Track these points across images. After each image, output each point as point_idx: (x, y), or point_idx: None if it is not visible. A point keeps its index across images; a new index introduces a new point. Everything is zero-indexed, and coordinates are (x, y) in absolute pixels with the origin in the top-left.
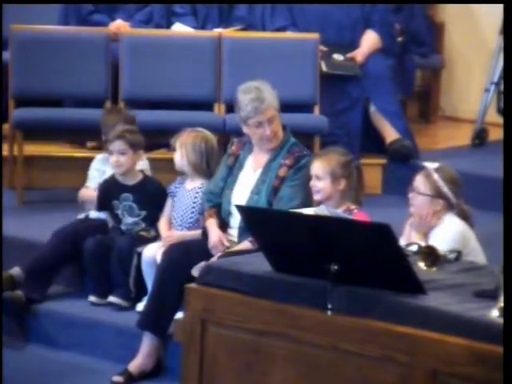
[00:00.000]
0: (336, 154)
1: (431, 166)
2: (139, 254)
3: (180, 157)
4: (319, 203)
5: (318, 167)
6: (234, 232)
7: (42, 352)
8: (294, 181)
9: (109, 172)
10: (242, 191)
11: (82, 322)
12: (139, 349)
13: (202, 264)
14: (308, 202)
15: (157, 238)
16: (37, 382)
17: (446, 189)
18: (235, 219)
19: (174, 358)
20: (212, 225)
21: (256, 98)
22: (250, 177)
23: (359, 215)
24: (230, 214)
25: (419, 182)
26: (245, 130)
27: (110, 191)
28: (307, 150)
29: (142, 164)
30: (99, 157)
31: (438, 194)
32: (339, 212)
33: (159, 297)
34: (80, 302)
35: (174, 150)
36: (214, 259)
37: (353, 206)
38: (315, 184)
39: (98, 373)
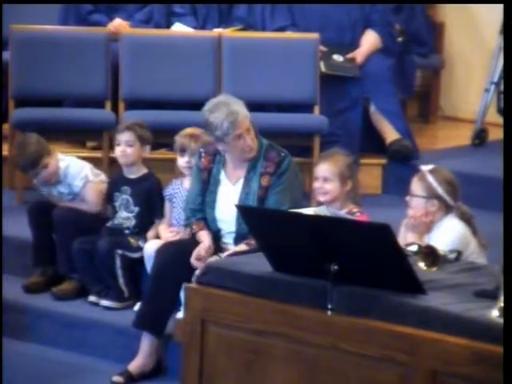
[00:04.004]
0: (341, 155)
1: (426, 167)
2: (122, 256)
3: None
4: (320, 204)
5: (325, 169)
6: (230, 245)
7: (42, 352)
8: (278, 186)
9: (54, 191)
10: (227, 207)
11: (82, 322)
12: (139, 349)
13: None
14: (297, 203)
15: (141, 249)
16: (37, 382)
17: (440, 190)
18: (226, 233)
19: (174, 358)
20: (205, 236)
21: (229, 112)
22: (231, 191)
23: (362, 218)
24: (218, 230)
25: (414, 184)
26: (222, 147)
27: (115, 184)
28: (284, 151)
29: (66, 161)
30: (39, 185)
31: (432, 194)
32: (339, 212)
33: (155, 296)
34: (80, 302)
35: (194, 154)
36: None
37: (355, 209)
38: (323, 186)
39: (98, 373)
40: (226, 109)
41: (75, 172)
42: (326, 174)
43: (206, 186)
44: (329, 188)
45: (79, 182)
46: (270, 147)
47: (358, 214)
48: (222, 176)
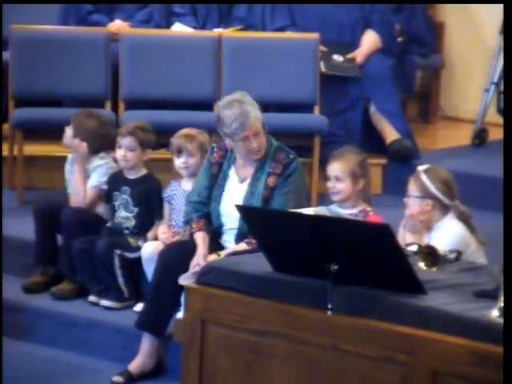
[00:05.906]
0: (352, 153)
1: (422, 167)
2: (121, 256)
3: (200, 159)
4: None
5: (337, 169)
6: (230, 242)
7: (42, 352)
8: (285, 188)
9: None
10: (231, 205)
11: (82, 322)
12: (139, 349)
13: (189, 274)
14: (301, 206)
15: (140, 248)
16: (37, 382)
17: (433, 189)
18: (228, 229)
19: (174, 358)
20: (201, 239)
21: (241, 112)
22: (237, 189)
23: (374, 218)
24: (221, 226)
25: (410, 184)
26: (229, 143)
27: (114, 183)
28: (292, 153)
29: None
30: (69, 158)
31: (426, 194)
32: (340, 212)
33: (157, 297)
34: (80, 302)
35: (190, 154)
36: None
37: (368, 208)
38: (335, 186)
39: (98, 373)
40: (239, 108)
41: (99, 174)
42: (338, 174)
43: (215, 180)
44: (340, 187)
45: (94, 182)
46: (279, 148)
47: (371, 214)
48: (232, 172)
